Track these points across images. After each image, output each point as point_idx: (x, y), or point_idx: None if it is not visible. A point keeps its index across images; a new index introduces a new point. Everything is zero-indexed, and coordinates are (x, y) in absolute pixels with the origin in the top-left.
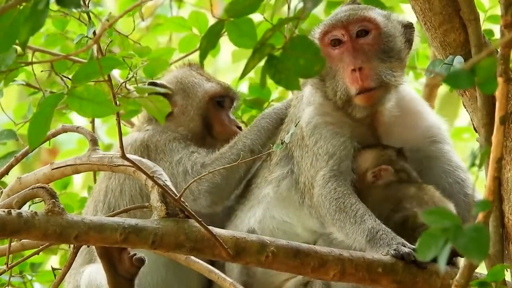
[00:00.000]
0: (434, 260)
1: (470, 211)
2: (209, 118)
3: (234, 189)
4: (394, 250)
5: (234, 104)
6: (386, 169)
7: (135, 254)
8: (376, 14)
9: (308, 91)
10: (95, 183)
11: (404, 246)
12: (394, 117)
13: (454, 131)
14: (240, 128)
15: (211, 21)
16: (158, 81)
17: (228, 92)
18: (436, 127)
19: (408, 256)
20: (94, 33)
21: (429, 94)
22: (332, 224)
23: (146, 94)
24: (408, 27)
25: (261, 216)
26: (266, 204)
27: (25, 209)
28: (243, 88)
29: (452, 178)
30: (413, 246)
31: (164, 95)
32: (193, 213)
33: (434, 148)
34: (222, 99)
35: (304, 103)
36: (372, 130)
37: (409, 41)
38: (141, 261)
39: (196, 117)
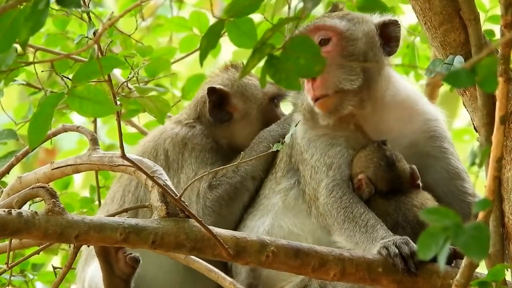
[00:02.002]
0: (435, 260)
1: (468, 218)
2: (270, 119)
3: (237, 218)
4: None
5: (281, 101)
6: (360, 179)
7: (130, 253)
8: (337, 21)
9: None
10: (96, 182)
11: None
12: (383, 116)
13: (454, 133)
14: None
15: (212, 21)
16: (217, 87)
17: (282, 91)
18: (434, 119)
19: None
20: (95, 33)
21: (430, 94)
22: (340, 233)
23: (151, 93)
24: (391, 25)
25: (270, 226)
26: (274, 213)
27: (26, 209)
28: None
29: (447, 187)
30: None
31: (222, 106)
32: (193, 213)
33: (434, 144)
34: (278, 98)
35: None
36: (367, 133)
37: (394, 39)
38: (135, 261)
39: (257, 120)
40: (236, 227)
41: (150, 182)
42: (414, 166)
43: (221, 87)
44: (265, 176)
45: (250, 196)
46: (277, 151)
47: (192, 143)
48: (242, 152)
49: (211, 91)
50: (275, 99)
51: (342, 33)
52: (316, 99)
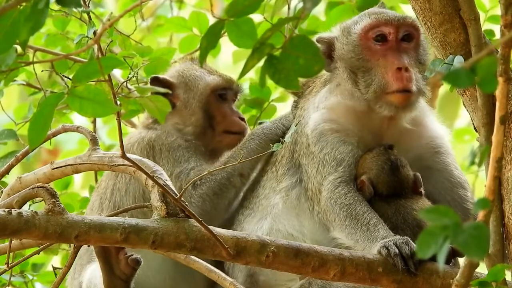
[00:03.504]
0: (434, 259)
1: None
2: (211, 110)
3: (223, 214)
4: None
5: (238, 97)
6: (362, 180)
7: (131, 255)
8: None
9: (322, 95)
10: (96, 182)
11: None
12: (405, 129)
13: (455, 133)
14: (243, 119)
15: (212, 21)
16: (160, 76)
17: (230, 85)
18: (440, 137)
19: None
20: (95, 33)
21: (430, 94)
22: (341, 230)
23: (149, 93)
24: None
25: (268, 230)
26: (273, 216)
27: (26, 209)
28: (245, 88)
29: (450, 196)
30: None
31: (165, 94)
32: (193, 212)
33: (438, 159)
34: (225, 91)
35: (313, 107)
36: (378, 138)
37: None
38: (137, 262)
39: (198, 110)
40: (230, 227)
41: (150, 182)
42: (418, 174)
43: (165, 77)
44: (262, 175)
45: (237, 193)
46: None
47: (158, 144)
48: (233, 149)
49: (154, 80)
50: (220, 92)
51: (422, 40)
52: (401, 90)
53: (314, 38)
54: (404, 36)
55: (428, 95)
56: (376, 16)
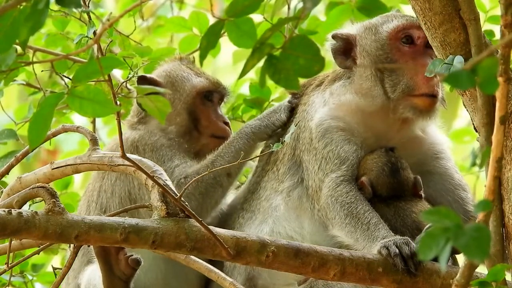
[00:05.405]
0: (435, 259)
1: None
2: (196, 113)
3: (210, 213)
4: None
5: (224, 100)
6: (362, 181)
7: (131, 255)
8: None
9: (333, 90)
10: None
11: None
12: (414, 135)
13: (454, 133)
14: (227, 124)
15: (212, 21)
16: (147, 75)
17: (216, 87)
18: (440, 143)
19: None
20: (95, 33)
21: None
22: (341, 228)
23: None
24: None
25: (269, 234)
26: (274, 218)
27: (26, 209)
28: (245, 88)
29: (452, 197)
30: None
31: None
32: (193, 212)
33: (438, 164)
34: (211, 94)
35: (321, 102)
36: (384, 141)
37: None
38: (137, 263)
39: (183, 111)
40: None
41: (150, 182)
42: (418, 177)
43: (152, 76)
44: (263, 175)
45: (224, 192)
46: (269, 144)
47: (141, 145)
48: (220, 147)
49: (141, 79)
50: (206, 95)
51: None
52: (429, 95)
53: (330, 34)
54: (427, 43)
55: (445, 106)
56: (407, 19)
